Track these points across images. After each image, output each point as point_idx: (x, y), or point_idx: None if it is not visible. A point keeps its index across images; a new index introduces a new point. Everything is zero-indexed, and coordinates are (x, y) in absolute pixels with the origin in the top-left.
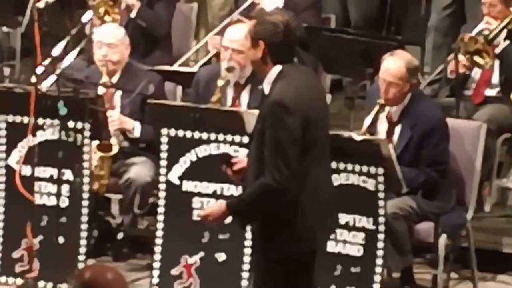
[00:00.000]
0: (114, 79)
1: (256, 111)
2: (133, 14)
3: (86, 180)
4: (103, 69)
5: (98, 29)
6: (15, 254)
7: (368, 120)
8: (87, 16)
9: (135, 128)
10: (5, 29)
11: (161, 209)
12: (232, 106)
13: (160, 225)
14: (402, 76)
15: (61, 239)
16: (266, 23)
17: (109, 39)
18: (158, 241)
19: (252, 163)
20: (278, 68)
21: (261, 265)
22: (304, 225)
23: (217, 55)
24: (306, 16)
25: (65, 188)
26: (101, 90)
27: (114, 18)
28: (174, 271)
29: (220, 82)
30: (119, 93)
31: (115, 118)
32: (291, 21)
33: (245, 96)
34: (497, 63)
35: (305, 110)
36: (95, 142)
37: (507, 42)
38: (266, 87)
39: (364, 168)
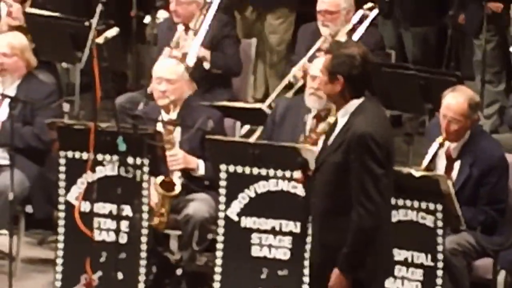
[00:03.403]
0: (173, 115)
1: (315, 148)
2: (207, 66)
3: (145, 216)
4: (162, 105)
5: (157, 64)
6: None
7: (428, 157)
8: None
9: (199, 166)
10: (64, 64)
11: (219, 245)
12: (309, 137)
13: (218, 261)
14: (463, 113)
15: (120, 275)
16: (343, 56)
17: (169, 75)
18: (217, 277)
19: (321, 195)
20: (357, 101)
21: None
22: (369, 267)
23: (291, 86)
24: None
25: (124, 224)
26: (159, 126)
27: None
28: None
29: (331, 119)
30: (178, 129)
31: (180, 157)
32: (367, 53)
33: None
34: None
35: (387, 143)
36: (159, 179)
37: None
38: (342, 119)
39: (423, 204)
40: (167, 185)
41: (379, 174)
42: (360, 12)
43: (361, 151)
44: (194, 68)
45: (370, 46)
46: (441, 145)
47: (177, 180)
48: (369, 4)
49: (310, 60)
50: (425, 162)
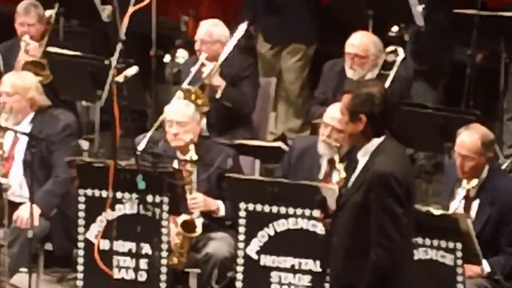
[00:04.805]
0: (188, 156)
1: (335, 186)
2: (218, 95)
3: (164, 254)
4: (175, 146)
5: (168, 107)
6: None
7: (454, 205)
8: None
9: (220, 208)
10: (84, 103)
11: (239, 284)
12: (323, 181)
13: None
14: (477, 150)
15: None
16: (363, 95)
17: (180, 117)
18: None
19: (343, 235)
20: (377, 140)
21: None
22: None
23: (314, 126)
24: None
25: (143, 262)
26: (178, 165)
27: (204, 102)
28: None
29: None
30: (195, 169)
31: (200, 201)
32: (387, 91)
33: (336, 173)
34: None
35: (407, 182)
36: (180, 220)
37: None
38: (362, 159)
39: (443, 243)
40: (188, 226)
41: (398, 214)
42: (383, 57)
43: (381, 190)
44: (213, 108)
45: (397, 92)
46: (459, 183)
47: (198, 220)
48: (391, 47)
49: None
50: (452, 207)
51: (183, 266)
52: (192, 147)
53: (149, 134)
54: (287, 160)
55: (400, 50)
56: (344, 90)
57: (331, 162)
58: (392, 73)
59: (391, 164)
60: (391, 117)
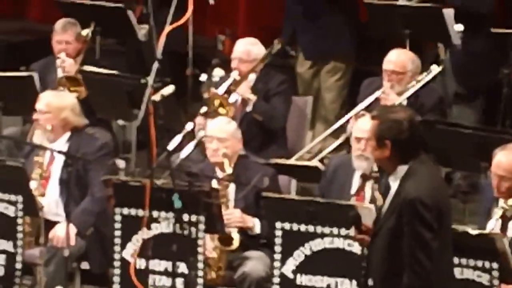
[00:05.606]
0: (228, 172)
1: (372, 206)
2: (249, 108)
3: (200, 273)
4: (214, 162)
5: (209, 123)
6: None
7: (491, 224)
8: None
9: (255, 225)
10: (120, 122)
11: None
12: (356, 195)
13: None
14: None
15: None
16: (389, 121)
17: (220, 134)
18: None
19: (379, 259)
20: (406, 166)
21: None
22: None
23: (347, 141)
24: (431, 117)
25: (179, 282)
26: (215, 183)
27: (228, 111)
28: None
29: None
30: (232, 186)
31: (237, 216)
32: (414, 117)
33: (368, 187)
34: None
35: (439, 205)
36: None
37: None
38: (393, 183)
39: (479, 263)
40: (225, 240)
41: (427, 239)
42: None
43: (410, 216)
44: (245, 124)
45: (427, 106)
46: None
47: (235, 233)
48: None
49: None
50: (489, 227)
51: (221, 281)
52: (226, 161)
53: (184, 152)
54: (323, 179)
55: (434, 67)
56: (372, 114)
57: (363, 177)
58: (417, 86)
59: (419, 189)
60: (419, 144)
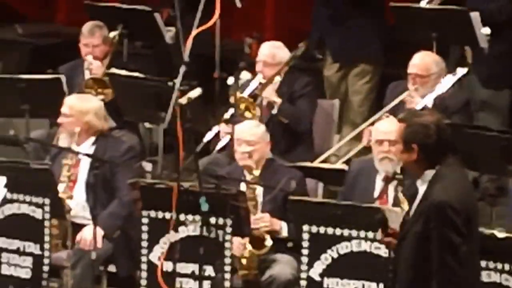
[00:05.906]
0: (256, 175)
1: (398, 209)
2: (274, 111)
3: (227, 276)
4: (243, 165)
5: (238, 126)
6: None
7: None
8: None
9: (283, 228)
10: (147, 125)
11: None
12: (379, 198)
13: None
14: None
15: None
16: (416, 125)
17: (249, 137)
18: None
19: (406, 264)
20: (432, 171)
21: None
22: None
23: (369, 148)
24: (457, 120)
25: (206, 284)
26: (243, 187)
27: (254, 114)
28: None
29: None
30: (260, 189)
31: (267, 220)
32: (441, 121)
33: (391, 190)
34: None
35: (467, 209)
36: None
37: None
38: (421, 187)
39: (506, 266)
40: (257, 242)
41: (457, 243)
42: (449, 77)
43: (439, 220)
44: (271, 127)
45: (453, 108)
46: None
47: (268, 238)
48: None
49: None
50: None
51: (252, 277)
52: (253, 164)
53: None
54: (345, 184)
55: (459, 69)
56: (399, 118)
57: (386, 179)
58: (442, 89)
59: (447, 192)
60: (447, 147)
